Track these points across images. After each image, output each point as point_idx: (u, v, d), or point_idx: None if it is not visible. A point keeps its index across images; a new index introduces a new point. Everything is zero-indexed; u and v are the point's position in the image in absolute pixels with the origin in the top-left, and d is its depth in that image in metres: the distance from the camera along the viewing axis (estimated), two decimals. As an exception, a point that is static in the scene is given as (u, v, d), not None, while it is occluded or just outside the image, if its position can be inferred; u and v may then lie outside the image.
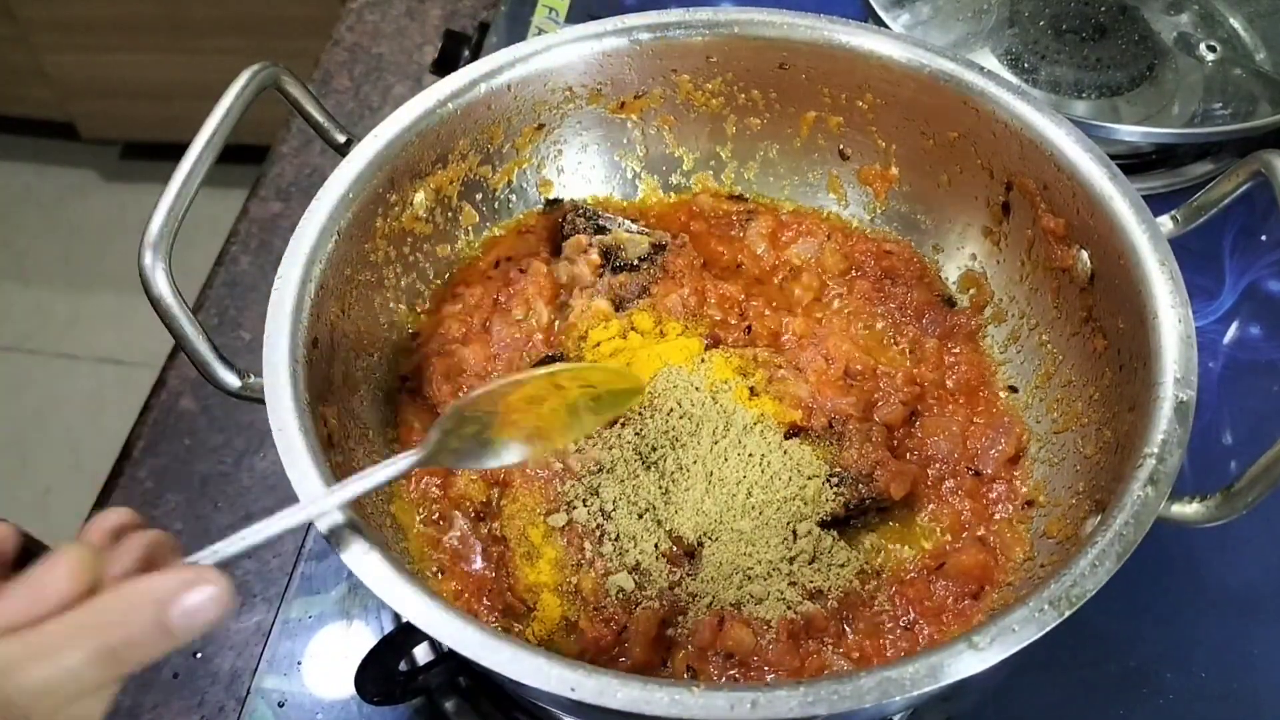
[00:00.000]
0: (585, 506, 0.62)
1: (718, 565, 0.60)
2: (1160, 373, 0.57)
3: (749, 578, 0.60)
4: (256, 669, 0.71)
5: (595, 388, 0.58)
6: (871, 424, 0.67)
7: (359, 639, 0.72)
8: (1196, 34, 0.99)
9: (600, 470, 0.63)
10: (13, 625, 0.34)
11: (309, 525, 0.76)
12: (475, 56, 1.02)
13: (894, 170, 0.78)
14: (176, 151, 0.62)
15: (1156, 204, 0.64)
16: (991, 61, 0.96)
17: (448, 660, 0.65)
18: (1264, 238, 0.90)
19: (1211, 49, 0.98)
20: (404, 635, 0.60)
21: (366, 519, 0.53)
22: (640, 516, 0.62)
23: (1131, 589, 0.66)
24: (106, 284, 2.19)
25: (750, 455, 0.63)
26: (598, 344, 0.70)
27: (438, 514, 0.65)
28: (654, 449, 0.64)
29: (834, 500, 0.63)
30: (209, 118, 0.63)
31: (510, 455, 0.56)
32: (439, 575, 0.63)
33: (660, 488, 0.62)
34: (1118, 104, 0.94)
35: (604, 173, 0.81)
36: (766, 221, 0.79)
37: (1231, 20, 1.00)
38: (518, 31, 1.06)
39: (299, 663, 0.71)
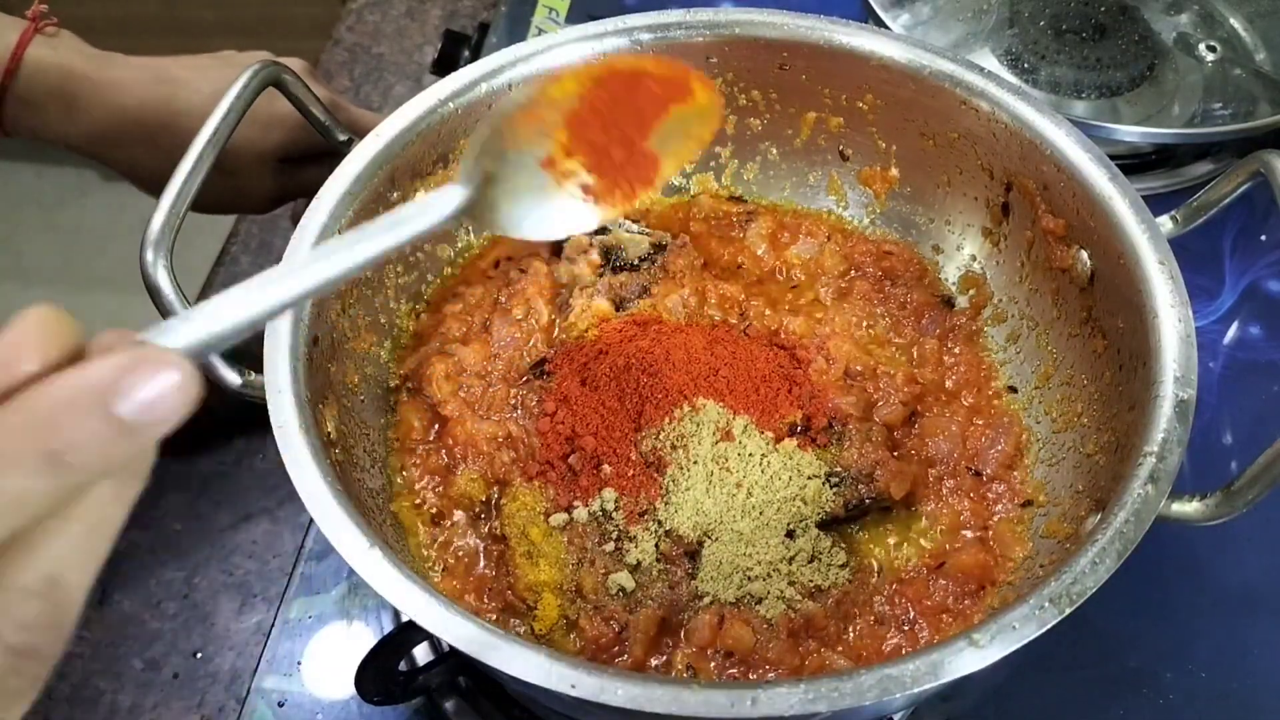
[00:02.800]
0: (585, 506, 0.62)
1: (717, 565, 0.60)
2: (1160, 372, 0.57)
3: (749, 577, 0.60)
4: (256, 669, 0.71)
5: (660, 115, 0.46)
6: (871, 424, 0.67)
7: (359, 639, 0.72)
8: (1196, 34, 0.99)
9: (600, 470, 0.63)
10: None
11: (309, 524, 0.77)
12: (475, 57, 1.02)
13: (894, 171, 0.78)
14: (177, 151, 0.63)
15: (1156, 204, 0.64)
16: (991, 62, 0.96)
17: (448, 660, 0.65)
18: (1264, 238, 0.90)
19: (1211, 49, 0.98)
20: (404, 635, 0.60)
21: (367, 518, 0.53)
22: (640, 516, 0.62)
23: (1132, 588, 0.66)
24: (106, 284, 2.19)
25: (750, 455, 0.63)
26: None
27: (438, 513, 0.65)
28: (654, 448, 0.64)
29: (834, 500, 0.63)
30: (210, 116, 0.63)
31: (581, 214, 0.44)
32: (439, 574, 0.63)
33: (660, 488, 0.63)
34: (1117, 104, 0.94)
35: (604, 173, 0.81)
36: (766, 222, 0.79)
37: (1231, 20, 1.00)
38: (518, 32, 1.06)
39: (299, 663, 0.71)
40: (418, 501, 0.66)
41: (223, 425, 0.84)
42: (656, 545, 0.61)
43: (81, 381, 0.27)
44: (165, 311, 0.59)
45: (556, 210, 0.45)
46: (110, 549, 0.29)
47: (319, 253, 0.38)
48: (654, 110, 0.47)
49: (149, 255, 0.59)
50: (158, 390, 0.28)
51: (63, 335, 0.29)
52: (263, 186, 0.83)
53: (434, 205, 0.42)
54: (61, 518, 0.28)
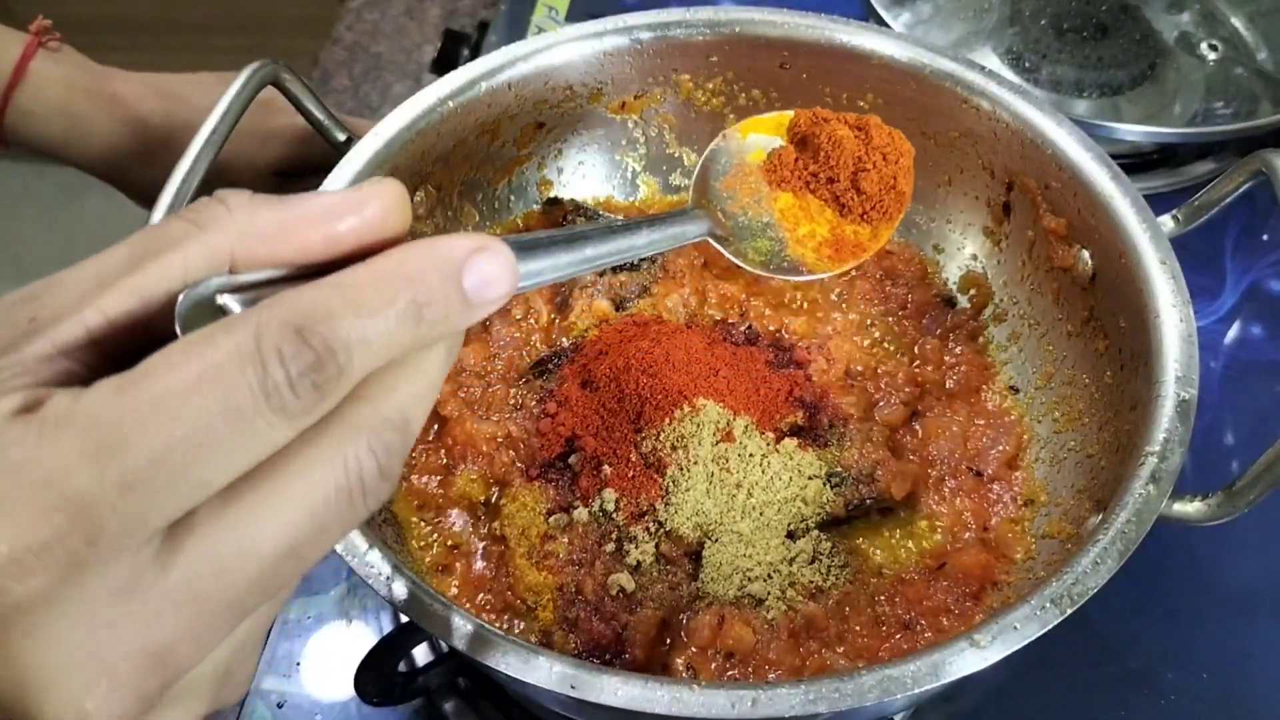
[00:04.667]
0: (585, 507, 0.62)
1: (718, 566, 0.60)
2: (1162, 371, 0.57)
3: (749, 578, 0.60)
4: (255, 670, 0.71)
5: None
6: (872, 424, 0.67)
7: (358, 640, 0.71)
8: (1198, 33, 0.99)
9: (600, 471, 0.63)
10: (308, 250, 0.30)
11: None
12: (475, 56, 1.02)
13: (895, 170, 0.78)
14: (176, 150, 0.62)
15: (1157, 203, 0.64)
16: (992, 61, 0.96)
17: (447, 661, 0.65)
18: (1265, 237, 0.90)
19: (1213, 48, 0.98)
20: (403, 636, 0.60)
21: (366, 518, 0.53)
22: (640, 517, 0.62)
23: (1133, 588, 0.66)
24: (105, 284, 2.19)
25: (750, 456, 0.63)
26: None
27: (437, 513, 0.65)
28: (654, 449, 0.64)
29: (834, 501, 0.63)
30: (209, 115, 0.63)
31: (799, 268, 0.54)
32: (439, 574, 0.63)
33: (660, 488, 0.62)
34: (1119, 103, 0.94)
35: (604, 172, 0.81)
36: (767, 221, 0.79)
37: (1233, 19, 1.00)
38: (517, 31, 1.06)
39: (298, 664, 0.71)
40: (417, 502, 0.66)
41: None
42: (657, 546, 0.61)
43: (444, 250, 0.30)
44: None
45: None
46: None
47: (611, 226, 0.41)
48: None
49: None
50: (496, 272, 0.31)
51: (407, 211, 0.32)
52: None
53: (682, 230, 0.47)
54: (411, 366, 0.30)
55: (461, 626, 0.48)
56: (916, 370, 0.71)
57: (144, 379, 0.26)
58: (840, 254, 0.55)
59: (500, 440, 0.66)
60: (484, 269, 0.30)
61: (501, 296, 0.31)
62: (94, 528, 0.25)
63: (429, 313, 0.29)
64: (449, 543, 0.64)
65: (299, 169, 0.83)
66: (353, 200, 0.31)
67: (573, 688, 0.46)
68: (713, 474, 0.62)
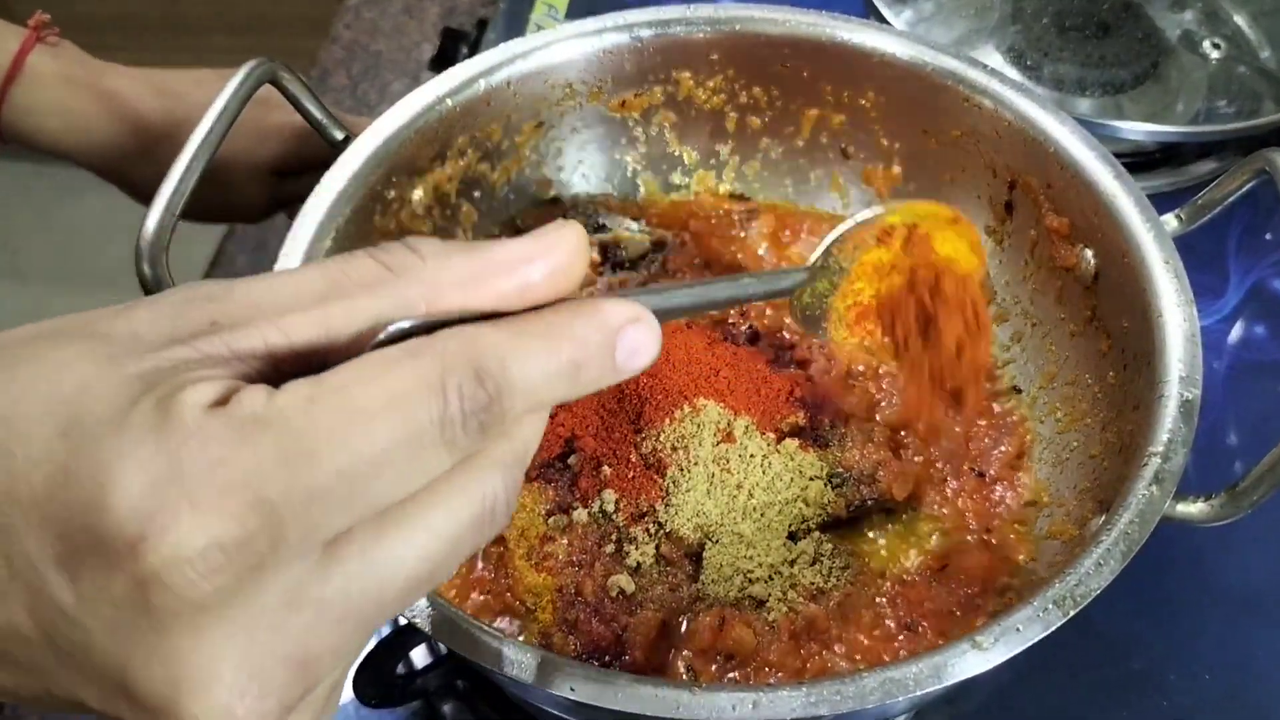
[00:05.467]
0: (585, 508, 0.62)
1: (718, 567, 0.60)
2: (1165, 371, 0.57)
3: (750, 580, 0.60)
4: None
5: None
6: (874, 424, 0.67)
7: (357, 640, 0.71)
8: (1200, 31, 0.99)
9: (600, 472, 0.63)
10: (503, 299, 0.31)
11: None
12: (474, 54, 1.02)
13: (896, 169, 0.78)
14: (173, 148, 0.62)
15: (1160, 202, 0.63)
16: (995, 59, 0.96)
17: (446, 663, 0.64)
18: (1269, 236, 0.89)
19: (1216, 46, 0.97)
20: (402, 638, 0.59)
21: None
22: (640, 518, 0.61)
23: (1135, 590, 0.66)
24: (103, 283, 2.18)
25: (751, 456, 0.63)
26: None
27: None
28: (654, 450, 0.63)
29: (836, 502, 0.63)
30: (206, 114, 0.63)
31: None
32: (437, 576, 0.62)
33: (661, 489, 0.62)
34: (1121, 102, 0.93)
35: (604, 171, 0.81)
36: (768, 221, 0.79)
37: (1235, 18, 1.00)
38: (517, 28, 1.05)
39: (296, 664, 0.70)
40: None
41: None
42: (657, 547, 0.60)
43: (607, 316, 0.31)
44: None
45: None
46: None
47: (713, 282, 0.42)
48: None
49: (145, 255, 0.58)
50: (645, 343, 0.32)
51: (581, 268, 0.32)
52: (256, 198, 0.83)
53: (783, 279, 0.47)
54: (534, 414, 0.31)
55: (460, 629, 0.48)
56: (918, 370, 0.71)
57: (337, 391, 0.27)
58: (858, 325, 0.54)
59: (499, 440, 0.65)
60: (636, 339, 0.32)
61: (645, 366, 0.32)
62: (279, 533, 0.26)
63: (584, 374, 0.31)
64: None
65: (297, 167, 0.82)
66: (541, 247, 0.31)
67: (572, 690, 0.46)
68: (713, 475, 0.62)
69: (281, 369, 0.29)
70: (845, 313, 0.53)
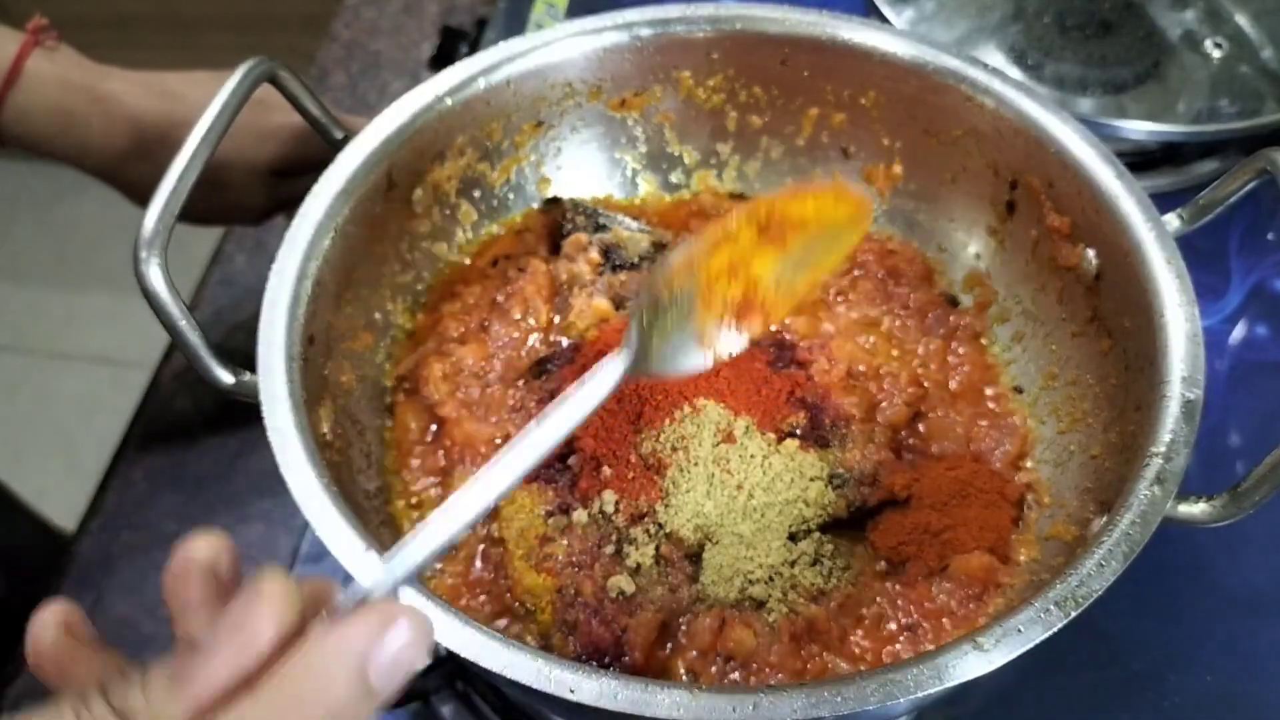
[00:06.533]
0: (584, 508, 0.62)
1: (718, 568, 0.60)
2: (1167, 371, 0.56)
3: (750, 581, 0.59)
4: (252, 671, 0.70)
5: (807, 228, 0.50)
6: (875, 425, 0.67)
7: (356, 641, 0.71)
8: (1202, 30, 0.99)
9: (600, 472, 0.63)
10: (224, 691, 0.31)
11: (305, 527, 0.76)
12: (473, 53, 1.01)
13: (897, 168, 0.78)
14: (171, 147, 0.62)
15: (1162, 202, 0.63)
16: (996, 58, 0.96)
17: (445, 664, 0.64)
18: (1270, 236, 0.89)
19: (1217, 46, 0.97)
20: (401, 637, 0.59)
21: (363, 520, 0.53)
22: (640, 518, 0.61)
23: (1136, 590, 0.65)
24: (101, 283, 2.18)
25: (751, 457, 0.63)
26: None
27: (435, 514, 0.64)
28: (654, 450, 0.63)
29: (836, 502, 0.62)
30: (204, 113, 0.62)
31: (726, 343, 0.49)
32: (437, 576, 0.62)
33: (660, 490, 0.62)
34: (1123, 101, 0.93)
35: (604, 170, 0.81)
36: (768, 220, 0.78)
37: (1237, 17, 1.00)
38: (516, 27, 1.05)
39: (295, 665, 0.70)
40: (415, 503, 0.65)
41: (215, 426, 0.84)
42: (657, 548, 0.60)
43: (345, 646, 0.31)
44: (160, 312, 0.58)
45: (701, 341, 0.49)
46: None
47: (498, 462, 0.40)
48: (801, 230, 0.50)
49: (143, 254, 0.58)
50: (400, 645, 0.32)
51: (293, 605, 0.32)
52: (255, 199, 0.83)
53: (604, 380, 0.45)
54: None
55: (459, 629, 0.48)
56: (919, 370, 0.71)
57: None
58: (742, 321, 0.51)
59: (499, 441, 0.65)
60: (389, 649, 0.31)
61: (411, 672, 0.32)
62: None
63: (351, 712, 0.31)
64: (447, 544, 0.63)
65: (296, 167, 0.82)
66: (243, 632, 0.32)
67: (571, 691, 0.46)
68: (713, 475, 0.62)
69: None
70: (726, 319, 0.50)
